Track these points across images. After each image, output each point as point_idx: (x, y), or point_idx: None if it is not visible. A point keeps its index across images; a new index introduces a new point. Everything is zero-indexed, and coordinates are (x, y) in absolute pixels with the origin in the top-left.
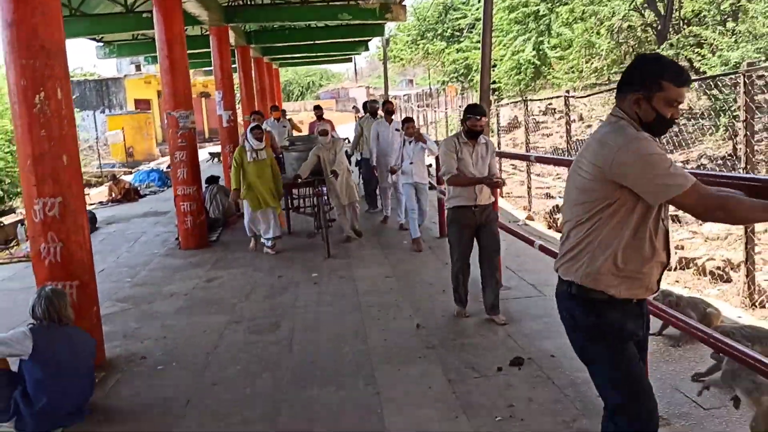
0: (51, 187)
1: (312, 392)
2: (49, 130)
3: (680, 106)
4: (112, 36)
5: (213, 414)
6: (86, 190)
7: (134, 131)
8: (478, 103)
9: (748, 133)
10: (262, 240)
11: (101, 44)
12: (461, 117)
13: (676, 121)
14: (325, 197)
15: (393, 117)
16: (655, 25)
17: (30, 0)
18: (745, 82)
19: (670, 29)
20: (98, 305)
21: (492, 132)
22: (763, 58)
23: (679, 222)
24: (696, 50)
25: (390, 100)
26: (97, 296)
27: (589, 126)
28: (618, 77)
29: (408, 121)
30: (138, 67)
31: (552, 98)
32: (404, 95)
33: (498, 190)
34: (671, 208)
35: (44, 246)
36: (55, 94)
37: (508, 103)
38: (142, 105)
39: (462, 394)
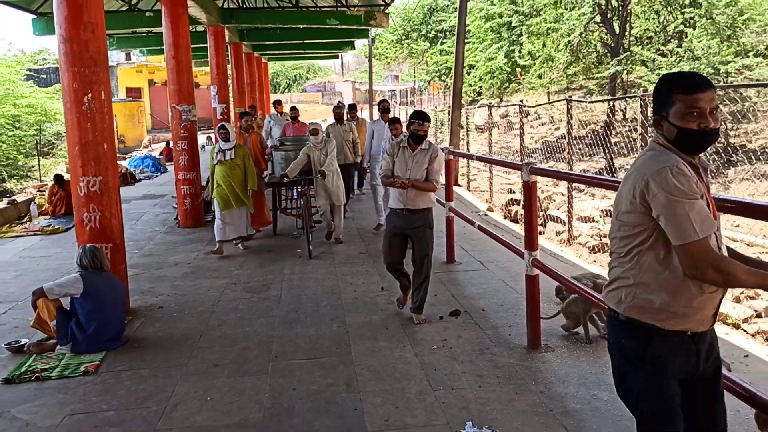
0: (94, 168)
1: (297, 331)
2: (93, 124)
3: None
4: (113, 30)
5: (221, 344)
6: None
7: (126, 119)
8: (423, 110)
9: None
10: (233, 242)
11: (35, 17)
12: (408, 125)
13: (713, 128)
14: (312, 198)
15: (389, 116)
16: (609, 42)
17: (82, 20)
18: (641, 104)
19: (622, 47)
20: (126, 263)
21: (462, 129)
22: None
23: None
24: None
25: (386, 98)
26: (126, 256)
27: (558, 128)
28: (575, 85)
29: (395, 121)
30: (128, 56)
31: (509, 105)
32: (389, 90)
33: (431, 194)
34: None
35: (87, 215)
36: (100, 95)
37: (477, 107)
38: (134, 93)
39: (410, 333)
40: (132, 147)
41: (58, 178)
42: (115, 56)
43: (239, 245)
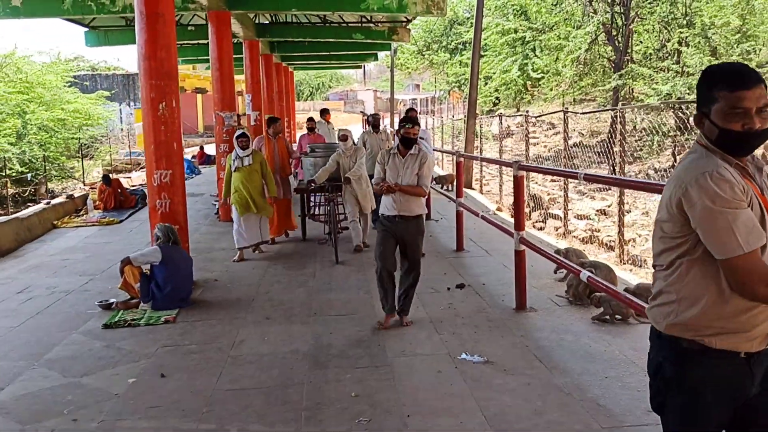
0: (165, 163)
1: (331, 296)
2: (166, 127)
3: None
4: (101, 21)
5: (270, 304)
6: (128, 174)
7: None
8: (412, 116)
9: (621, 149)
10: (251, 248)
11: (87, 29)
12: (397, 129)
13: (760, 130)
14: (340, 204)
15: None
16: (612, 58)
17: (159, 41)
18: (618, 116)
19: (624, 63)
20: (189, 242)
21: (476, 137)
22: (689, 91)
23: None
24: (635, 83)
25: (413, 108)
26: (188, 237)
27: (570, 138)
28: (590, 96)
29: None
30: None
31: (517, 115)
32: (410, 99)
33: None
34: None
35: (159, 201)
36: (171, 103)
37: (491, 117)
38: None
39: (423, 300)
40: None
41: (105, 177)
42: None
43: (256, 251)
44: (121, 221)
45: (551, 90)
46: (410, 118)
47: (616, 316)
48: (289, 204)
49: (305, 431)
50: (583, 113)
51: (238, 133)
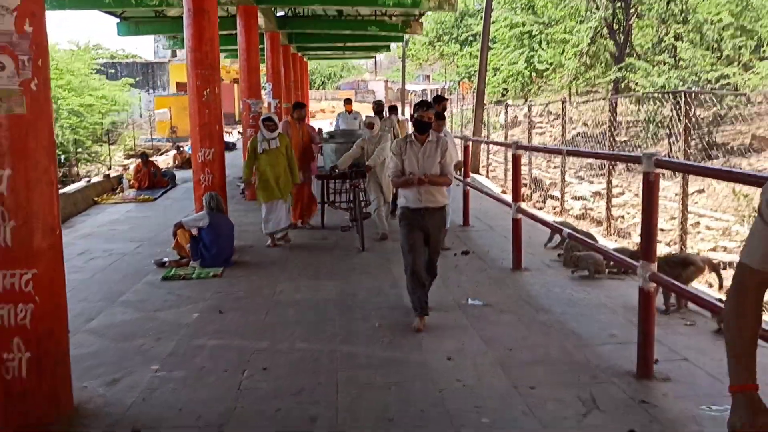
0: (208, 142)
1: (353, 261)
2: (209, 110)
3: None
4: (132, 12)
5: (302, 265)
6: (153, 158)
7: (178, 111)
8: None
9: (610, 134)
10: (276, 237)
11: (120, 20)
12: (411, 115)
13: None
14: (363, 191)
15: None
16: (614, 52)
17: (204, 35)
18: (609, 104)
19: (626, 56)
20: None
21: (484, 126)
22: (681, 83)
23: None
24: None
25: (440, 95)
26: (228, 206)
27: (575, 128)
28: (597, 88)
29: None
30: (174, 53)
31: (522, 105)
32: (421, 90)
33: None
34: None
35: (202, 176)
36: (214, 90)
37: (499, 106)
38: (183, 88)
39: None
40: (184, 137)
41: (144, 156)
42: (161, 53)
43: (282, 240)
44: (155, 199)
45: (557, 81)
46: (425, 102)
47: (596, 274)
48: (310, 191)
49: (341, 348)
50: (579, 103)
51: (264, 116)
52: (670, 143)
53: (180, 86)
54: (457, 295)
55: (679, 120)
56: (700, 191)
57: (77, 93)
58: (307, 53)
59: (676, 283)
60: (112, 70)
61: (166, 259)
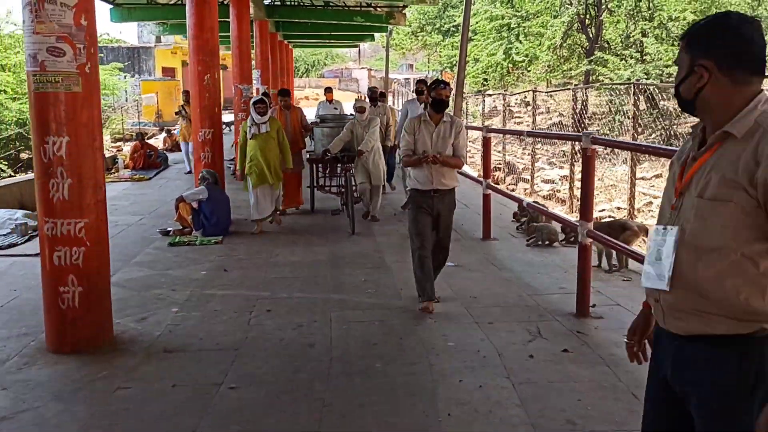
0: (208, 123)
1: (343, 234)
2: (209, 94)
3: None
4: (174, 20)
5: (294, 237)
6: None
7: (164, 96)
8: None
9: (573, 122)
10: (268, 220)
11: (113, 6)
12: (426, 93)
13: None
14: (353, 174)
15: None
16: (585, 46)
17: (205, 24)
18: (572, 95)
19: (597, 50)
20: (225, 185)
21: (464, 115)
22: (645, 76)
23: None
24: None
25: (423, 80)
26: (225, 183)
27: (551, 118)
28: (575, 80)
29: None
30: (159, 39)
31: (497, 94)
32: (404, 79)
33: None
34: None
35: (202, 154)
36: (213, 76)
37: (474, 96)
38: (168, 73)
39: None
40: (169, 122)
41: (140, 136)
42: (145, 37)
43: (273, 222)
44: (149, 178)
45: (533, 73)
46: (441, 80)
47: (546, 242)
48: (300, 178)
49: (332, 296)
50: (548, 93)
51: (255, 98)
52: (634, 132)
53: (166, 71)
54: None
55: (638, 109)
56: (658, 176)
57: None
58: (293, 41)
59: (608, 238)
60: (101, 54)
61: (170, 229)
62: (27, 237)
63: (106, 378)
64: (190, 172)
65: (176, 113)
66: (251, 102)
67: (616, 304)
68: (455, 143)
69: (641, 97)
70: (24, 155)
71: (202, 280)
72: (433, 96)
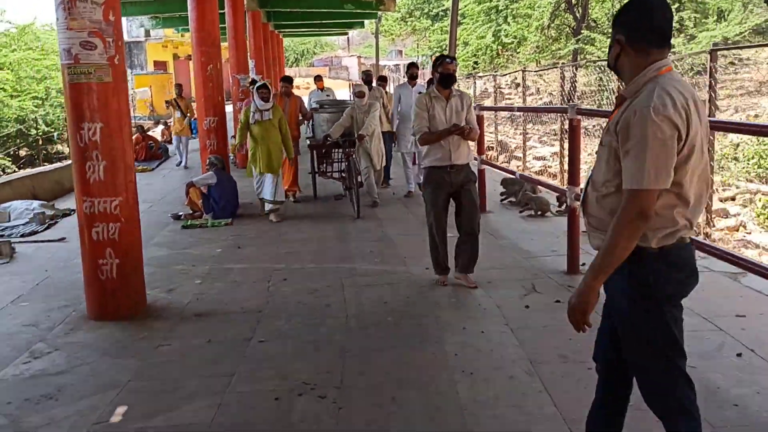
0: (212, 112)
1: (349, 225)
2: (212, 83)
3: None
4: (168, 13)
5: (299, 217)
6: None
7: (157, 89)
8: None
9: (561, 99)
10: (267, 206)
11: None
12: (432, 70)
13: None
14: (355, 159)
15: (416, 81)
16: (573, 26)
17: (207, 17)
18: (560, 73)
19: (583, 28)
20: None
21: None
22: None
23: None
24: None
25: (415, 63)
26: (229, 168)
27: (541, 98)
28: (546, 61)
29: (413, 66)
30: (147, 32)
31: (486, 75)
32: (393, 65)
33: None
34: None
35: (208, 142)
36: (216, 66)
37: (465, 79)
38: (160, 66)
39: (409, 207)
40: (163, 115)
41: (141, 128)
42: (135, 32)
43: (275, 217)
44: (152, 169)
45: (520, 54)
46: (445, 55)
47: (539, 212)
48: (296, 165)
49: (342, 265)
50: (535, 71)
51: (259, 84)
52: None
53: (157, 65)
54: None
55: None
56: None
57: None
58: (284, 30)
59: None
60: None
61: (181, 213)
62: (46, 225)
63: (147, 338)
64: (184, 166)
65: (166, 102)
66: (255, 87)
67: None
68: (468, 116)
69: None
70: (23, 152)
71: (218, 257)
72: (441, 71)
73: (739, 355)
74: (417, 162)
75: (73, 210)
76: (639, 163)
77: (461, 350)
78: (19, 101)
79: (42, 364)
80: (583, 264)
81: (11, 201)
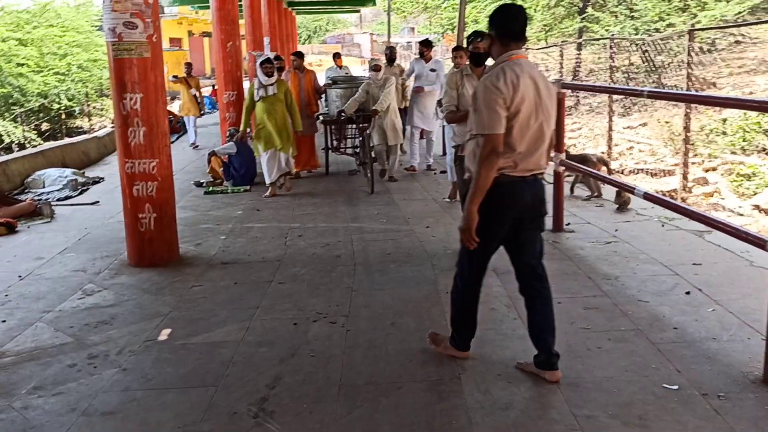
0: (231, 86)
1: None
2: (232, 59)
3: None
4: None
5: (311, 186)
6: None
7: (173, 66)
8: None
9: (560, 76)
10: (278, 184)
11: None
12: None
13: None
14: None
15: (431, 55)
16: (579, 4)
17: None
18: (561, 52)
19: (589, 6)
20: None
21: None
22: (635, 32)
23: None
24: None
25: (429, 39)
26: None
27: (550, 76)
28: (554, 39)
29: (458, 49)
30: (162, 10)
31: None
32: (406, 42)
33: None
34: None
35: (228, 114)
36: (235, 43)
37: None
38: (175, 43)
39: (420, 179)
40: (176, 91)
41: None
42: None
43: (282, 187)
44: (172, 142)
45: (531, 33)
46: (477, 31)
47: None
48: (314, 141)
49: (352, 224)
50: (537, 49)
51: (262, 58)
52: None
53: (173, 41)
54: (437, 197)
55: (614, 60)
56: (644, 124)
57: (84, 49)
58: (296, 8)
59: (575, 164)
60: None
61: (203, 181)
62: (78, 191)
63: (181, 280)
64: (196, 146)
65: (174, 77)
66: (258, 62)
67: (587, 223)
68: None
69: (633, 53)
70: (45, 126)
71: (239, 218)
72: (471, 50)
73: (687, 293)
74: (424, 137)
75: (102, 178)
76: (479, 116)
77: None
78: (43, 76)
79: (94, 300)
80: (568, 224)
81: (45, 169)
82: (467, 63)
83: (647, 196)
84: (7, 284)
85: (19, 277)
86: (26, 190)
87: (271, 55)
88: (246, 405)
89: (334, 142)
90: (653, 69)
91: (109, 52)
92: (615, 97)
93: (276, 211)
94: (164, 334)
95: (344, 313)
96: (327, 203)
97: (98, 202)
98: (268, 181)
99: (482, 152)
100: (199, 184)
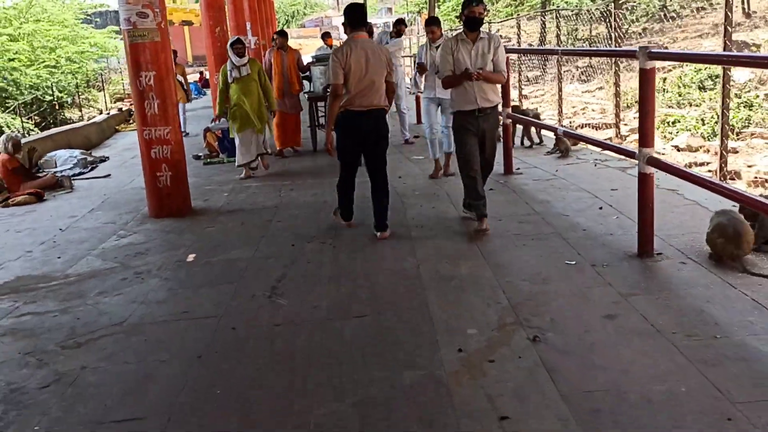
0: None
1: None
2: (220, 43)
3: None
4: None
5: (299, 156)
6: None
7: None
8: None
9: (518, 46)
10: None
11: None
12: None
13: None
14: None
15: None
16: None
17: None
18: (517, 24)
19: None
20: None
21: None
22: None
23: None
24: None
25: (402, 19)
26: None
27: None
28: (532, 14)
29: (432, 22)
30: None
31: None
32: (383, 23)
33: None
34: None
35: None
36: (223, 29)
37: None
38: None
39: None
40: None
41: None
42: None
43: (258, 167)
44: None
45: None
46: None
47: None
48: (298, 119)
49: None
50: (497, 22)
51: (232, 39)
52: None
53: None
54: (439, 178)
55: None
56: (600, 88)
57: (71, 41)
58: None
59: (524, 117)
60: (97, 20)
61: (200, 154)
62: (89, 168)
63: (197, 224)
64: (185, 134)
65: None
66: (228, 44)
67: (534, 167)
68: (495, 59)
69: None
70: (37, 118)
71: (238, 181)
72: (467, 14)
73: (600, 208)
74: (400, 110)
75: (108, 157)
76: (328, 72)
77: (417, 217)
78: (34, 70)
79: (128, 240)
80: (518, 168)
81: (55, 151)
82: (461, 29)
83: (565, 133)
84: (52, 234)
85: (60, 229)
86: (40, 170)
87: (234, 38)
88: (261, 291)
89: (320, 119)
90: (615, 38)
91: (125, 38)
92: (576, 64)
93: (269, 175)
94: (191, 257)
95: (332, 236)
96: (317, 167)
97: (110, 175)
98: (239, 162)
99: (330, 94)
100: (197, 157)
